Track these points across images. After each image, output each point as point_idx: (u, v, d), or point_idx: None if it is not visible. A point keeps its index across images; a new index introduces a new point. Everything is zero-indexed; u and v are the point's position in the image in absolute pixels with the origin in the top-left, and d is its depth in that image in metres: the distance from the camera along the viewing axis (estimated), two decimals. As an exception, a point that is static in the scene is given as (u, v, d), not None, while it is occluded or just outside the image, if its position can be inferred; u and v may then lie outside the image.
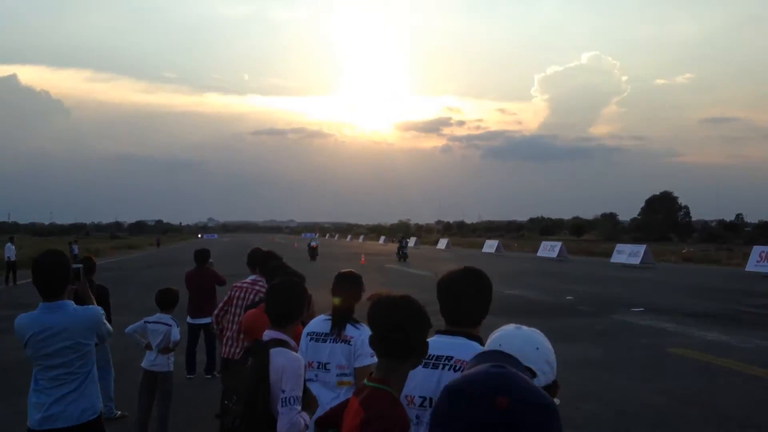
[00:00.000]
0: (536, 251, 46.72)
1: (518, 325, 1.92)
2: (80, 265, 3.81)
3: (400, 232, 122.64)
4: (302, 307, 3.21)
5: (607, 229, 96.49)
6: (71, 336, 3.43)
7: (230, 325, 5.32)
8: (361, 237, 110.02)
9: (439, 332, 2.47)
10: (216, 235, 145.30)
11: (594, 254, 47.24)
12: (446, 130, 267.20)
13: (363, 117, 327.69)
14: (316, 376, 3.48)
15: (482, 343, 2.33)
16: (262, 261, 5.50)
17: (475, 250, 57.52)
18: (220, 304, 5.54)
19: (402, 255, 41.28)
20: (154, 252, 62.53)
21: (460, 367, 2.31)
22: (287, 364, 2.92)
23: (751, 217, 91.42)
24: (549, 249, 43.95)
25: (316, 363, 3.50)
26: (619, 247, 38.16)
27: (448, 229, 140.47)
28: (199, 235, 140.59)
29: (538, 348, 1.82)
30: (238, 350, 5.20)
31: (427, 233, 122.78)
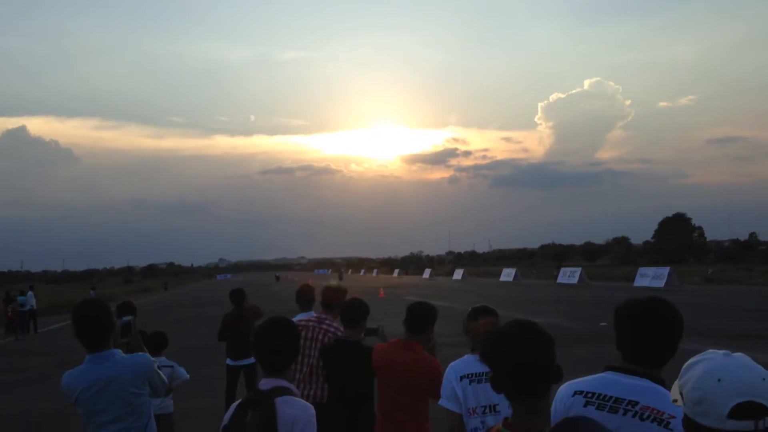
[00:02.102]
0: (554, 278, 46.20)
1: (727, 352, 1.65)
2: (131, 317, 3.54)
3: (412, 264, 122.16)
4: (297, 349, 2.80)
5: (621, 253, 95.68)
6: (122, 387, 3.17)
7: (301, 367, 5.03)
8: (375, 271, 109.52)
9: (613, 368, 2.15)
10: (229, 275, 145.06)
11: (614, 279, 46.64)
12: (453, 161, 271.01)
13: (369, 151, 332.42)
14: (483, 422, 3.11)
15: (666, 387, 2.02)
16: (333, 298, 5.23)
17: (492, 279, 56.98)
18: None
19: None
20: (165, 295, 62.05)
21: (649, 415, 2.01)
22: (299, 414, 2.54)
23: (765, 236, 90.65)
24: (569, 275, 43.44)
25: (481, 407, 3.14)
26: (641, 270, 37.64)
27: (459, 259, 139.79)
28: (217, 276, 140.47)
29: (764, 379, 1.53)
30: (311, 392, 4.90)
31: (438, 264, 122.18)
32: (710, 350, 1.73)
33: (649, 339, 2.10)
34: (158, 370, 3.39)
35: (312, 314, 5.58)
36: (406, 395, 3.98)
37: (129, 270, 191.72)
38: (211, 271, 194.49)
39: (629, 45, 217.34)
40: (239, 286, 9.86)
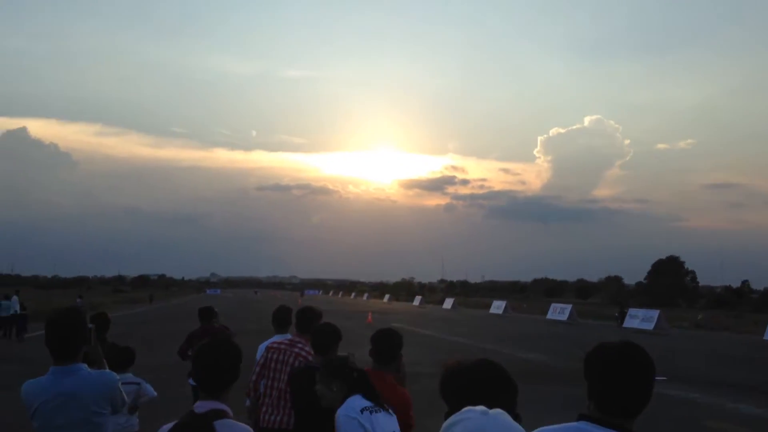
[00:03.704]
0: (544, 313, 46.03)
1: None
2: (92, 325, 3.42)
3: (404, 290, 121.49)
4: (237, 370, 2.67)
5: (613, 292, 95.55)
6: (84, 404, 3.03)
7: (269, 391, 4.92)
8: (365, 295, 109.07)
9: (586, 418, 1.98)
10: (219, 290, 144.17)
11: (603, 317, 46.48)
12: (450, 189, 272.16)
13: (367, 174, 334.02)
14: None
15: None
16: (303, 319, 5.15)
17: (482, 310, 56.75)
18: (257, 368, 5.15)
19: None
20: (150, 308, 61.24)
21: None
22: None
23: (757, 284, 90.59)
24: (558, 311, 43.29)
25: None
26: (631, 311, 37.51)
27: (451, 288, 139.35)
28: (206, 291, 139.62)
29: None
30: (278, 418, 4.80)
31: (430, 292, 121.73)
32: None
33: (623, 387, 1.95)
34: (121, 389, 3.28)
35: (288, 337, 5.51)
36: (375, 426, 3.91)
37: (119, 279, 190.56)
38: (201, 284, 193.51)
39: (631, 84, 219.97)
40: (209, 304, 9.62)
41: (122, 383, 5.28)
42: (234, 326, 10.73)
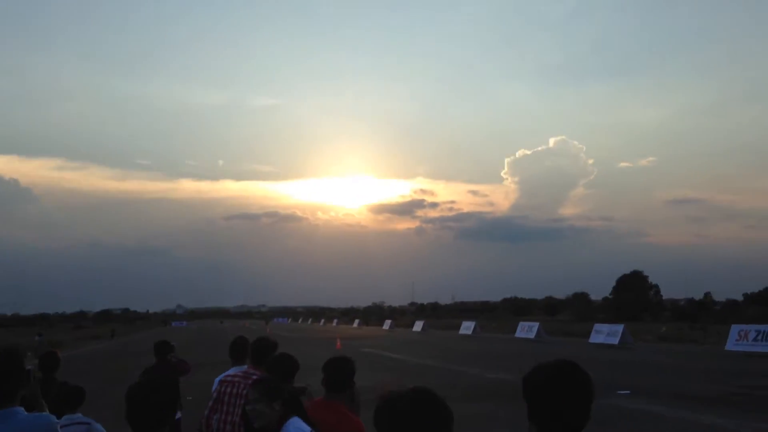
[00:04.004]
0: (513, 332, 46.22)
1: None
2: (30, 367, 3.21)
3: (374, 314, 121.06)
4: (171, 411, 2.60)
5: (580, 308, 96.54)
6: None
7: (222, 425, 4.81)
8: (335, 321, 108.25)
9: None
10: (185, 323, 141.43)
11: (570, 334, 46.88)
12: (419, 212, 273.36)
13: (336, 200, 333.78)
14: None
15: None
16: (258, 350, 5.08)
17: (452, 332, 56.76)
18: (210, 403, 5.04)
19: None
20: (111, 344, 59.40)
21: None
22: None
23: (719, 296, 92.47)
24: (527, 330, 43.54)
25: None
26: (596, 327, 37.90)
27: (422, 311, 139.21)
28: (172, 323, 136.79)
29: None
30: (231, 454, 4.69)
31: (400, 316, 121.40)
32: None
33: (565, 406, 1.94)
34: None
35: (244, 368, 5.41)
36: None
37: (81, 315, 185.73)
38: (167, 317, 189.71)
39: (594, 106, 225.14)
40: (166, 338, 9.34)
41: (71, 423, 5.15)
42: (194, 359, 10.55)
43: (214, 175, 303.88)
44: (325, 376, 4.00)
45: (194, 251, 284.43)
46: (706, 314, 75.60)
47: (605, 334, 35.81)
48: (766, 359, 24.14)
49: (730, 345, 27.78)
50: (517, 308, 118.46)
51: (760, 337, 26.68)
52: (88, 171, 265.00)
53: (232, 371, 5.45)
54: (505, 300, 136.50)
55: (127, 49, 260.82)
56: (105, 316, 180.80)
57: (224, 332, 68.15)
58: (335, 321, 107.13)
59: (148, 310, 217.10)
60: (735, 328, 28.38)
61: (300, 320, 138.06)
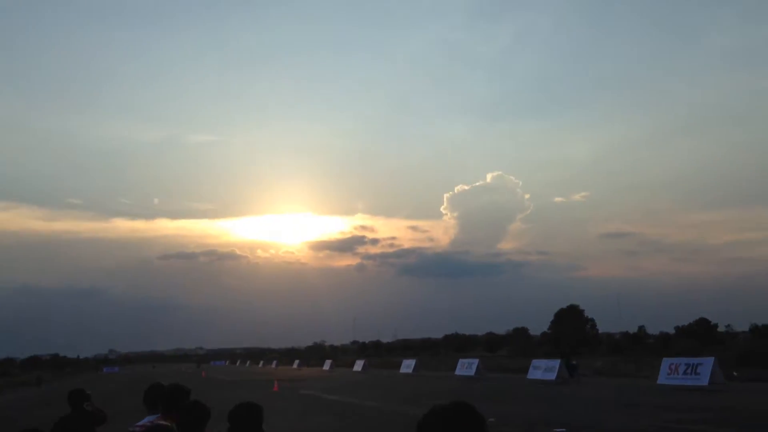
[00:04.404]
0: (454, 369, 46.18)
1: None
2: None
3: (316, 354, 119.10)
4: None
5: (520, 344, 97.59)
6: None
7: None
8: (274, 362, 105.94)
9: None
10: (117, 368, 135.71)
11: (510, 370, 47.18)
12: (360, 249, 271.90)
13: (276, 237, 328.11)
14: None
15: None
16: (169, 398, 4.80)
17: (392, 370, 56.30)
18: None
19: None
20: (35, 392, 56.27)
21: None
22: None
23: (652, 329, 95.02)
24: (466, 367, 43.56)
25: None
26: (534, 362, 38.26)
27: (364, 349, 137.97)
28: (104, 369, 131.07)
29: None
30: None
31: (342, 354, 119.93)
32: None
33: None
34: None
35: (156, 417, 5.11)
36: None
37: (8, 362, 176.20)
38: (98, 363, 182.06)
39: (528, 142, 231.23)
40: (79, 386, 8.80)
41: None
42: (119, 407, 10.00)
43: (149, 214, 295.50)
44: (231, 426, 3.78)
45: (128, 293, 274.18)
46: (640, 348, 77.55)
47: (543, 369, 36.17)
48: (695, 393, 24.78)
49: (662, 379, 28.42)
50: (459, 345, 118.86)
51: (689, 371, 27.41)
52: (15, 211, 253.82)
53: (144, 420, 5.16)
54: (446, 336, 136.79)
55: (56, 86, 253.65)
56: (33, 362, 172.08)
57: (155, 377, 65.64)
58: (274, 362, 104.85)
59: (78, 356, 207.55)
60: (666, 362, 29.11)
61: (238, 362, 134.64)
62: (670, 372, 28.19)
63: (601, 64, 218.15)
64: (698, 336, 76.32)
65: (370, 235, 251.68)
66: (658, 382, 28.40)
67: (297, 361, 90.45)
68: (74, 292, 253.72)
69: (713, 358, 27.45)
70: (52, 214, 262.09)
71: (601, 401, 22.80)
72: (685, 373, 27.47)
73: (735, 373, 31.06)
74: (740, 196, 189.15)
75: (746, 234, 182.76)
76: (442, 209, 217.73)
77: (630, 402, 22.18)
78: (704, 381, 26.21)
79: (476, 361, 43.61)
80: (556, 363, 35.63)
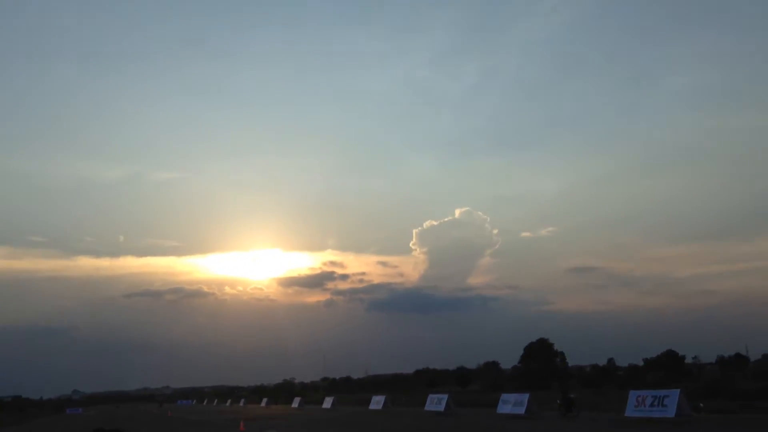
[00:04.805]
0: (423, 404, 45.64)
1: None
2: None
3: (285, 391, 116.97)
4: None
5: (491, 378, 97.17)
6: None
7: None
8: (242, 400, 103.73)
9: None
10: (80, 410, 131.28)
11: (480, 405, 46.78)
12: (330, 284, 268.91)
13: (244, 274, 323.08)
14: None
15: None
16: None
17: (362, 407, 55.44)
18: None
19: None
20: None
21: None
22: None
23: (621, 361, 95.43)
24: (436, 402, 43.03)
25: None
26: (504, 396, 37.96)
27: (334, 386, 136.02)
28: (66, 410, 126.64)
29: None
30: None
31: (313, 392, 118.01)
32: None
33: None
34: None
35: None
36: None
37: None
38: (62, 404, 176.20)
39: (494, 178, 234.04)
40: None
41: None
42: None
43: (114, 252, 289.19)
44: None
45: (93, 332, 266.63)
46: (609, 380, 77.74)
47: (512, 404, 35.89)
48: (662, 424, 24.78)
49: (629, 411, 28.39)
50: (430, 380, 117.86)
51: (656, 403, 27.41)
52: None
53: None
54: (417, 372, 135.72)
55: (15, 122, 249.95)
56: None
57: (116, 419, 63.80)
58: (242, 401, 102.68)
59: (42, 397, 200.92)
60: (633, 394, 29.10)
61: (206, 401, 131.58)
62: (638, 404, 28.17)
63: (562, 104, 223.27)
64: (667, 368, 76.84)
65: (339, 271, 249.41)
66: (626, 414, 28.36)
67: (265, 399, 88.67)
68: (37, 331, 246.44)
69: (679, 390, 27.51)
70: (14, 251, 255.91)
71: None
72: (651, 405, 27.47)
73: (701, 405, 31.20)
74: (704, 231, 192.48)
75: (712, 267, 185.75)
76: (411, 245, 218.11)
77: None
78: (671, 413, 26.24)
79: (446, 396, 43.13)
80: (524, 397, 35.38)
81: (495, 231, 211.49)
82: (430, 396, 45.08)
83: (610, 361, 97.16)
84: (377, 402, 52.12)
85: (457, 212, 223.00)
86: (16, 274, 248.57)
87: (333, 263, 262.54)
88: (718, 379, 57.42)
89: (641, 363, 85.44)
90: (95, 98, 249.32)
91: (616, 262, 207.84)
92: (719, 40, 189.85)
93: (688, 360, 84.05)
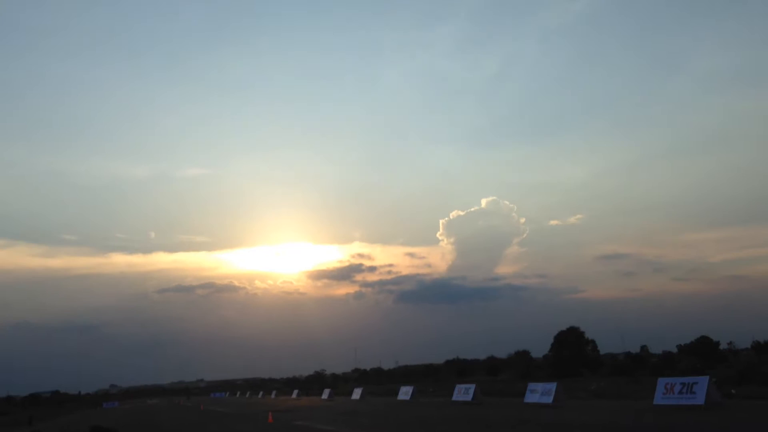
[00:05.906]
0: (452, 394, 45.53)
1: None
2: None
3: (316, 383, 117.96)
4: None
5: (522, 367, 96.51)
6: None
7: None
8: (273, 392, 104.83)
9: None
10: (116, 403, 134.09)
11: (509, 394, 46.50)
12: (358, 277, 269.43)
13: (274, 267, 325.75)
14: None
15: None
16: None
17: (390, 398, 55.56)
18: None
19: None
20: None
21: None
22: None
23: (655, 348, 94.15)
24: (464, 392, 42.90)
25: None
26: (531, 386, 37.67)
27: (365, 377, 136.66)
28: (102, 405, 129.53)
29: None
30: None
31: (344, 383, 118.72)
32: None
33: None
34: None
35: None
36: None
37: (8, 401, 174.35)
38: (99, 398, 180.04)
39: (521, 166, 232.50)
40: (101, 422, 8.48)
41: None
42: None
43: (146, 248, 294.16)
44: None
45: (127, 327, 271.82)
46: (643, 368, 76.66)
47: (539, 393, 35.59)
48: (690, 412, 24.32)
49: (658, 399, 27.94)
50: (460, 370, 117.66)
51: (685, 390, 26.93)
52: (12, 249, 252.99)
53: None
54: (447, 362, 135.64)
55: (49, 123, 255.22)
56: (33, 400, 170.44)
57: (150, 413, 64.90)
58: (273, 393, 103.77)
59: (80, 392, 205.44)
60: (662, 382, 28.62)
61: (238, 394, 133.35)
62: (666, 392, 27.71)
63: (586, 90, 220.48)
64: (701, 354, 75.54)
65: (367, 263, 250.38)
66: (654, 402, 27.90)
67: (296, 391, 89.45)
68: (73, 328, 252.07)
69: (708, 377, 27.00)
70: (49, 250, 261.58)
71: (594, 426, 22.34)
72: (680, 392, 26.99)
73: (733, 391, 30.57)
74: (735, 215, 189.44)
75: (744, 251, 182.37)
76: (438, 235, 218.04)
77: (623, 425, 21.75)
78: (700, 400, 25.75)
79: (473, 386, 42.96)
80: (552, 386, 35.05)
81: (522, 220, 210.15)
82: (458, 386, 44.96)
83: (644, 348, 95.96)
84: (405, 392, 52.17)
85: (483, 202, 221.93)
86: (51, 272, 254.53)
87: (361, 255, 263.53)
88: (753, 364, 56.20)
89: (675, 350, 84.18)
90: (126, 99, 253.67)
91: (646, 248, 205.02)
92: (746, 21, 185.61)
93: (723, 346, 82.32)
